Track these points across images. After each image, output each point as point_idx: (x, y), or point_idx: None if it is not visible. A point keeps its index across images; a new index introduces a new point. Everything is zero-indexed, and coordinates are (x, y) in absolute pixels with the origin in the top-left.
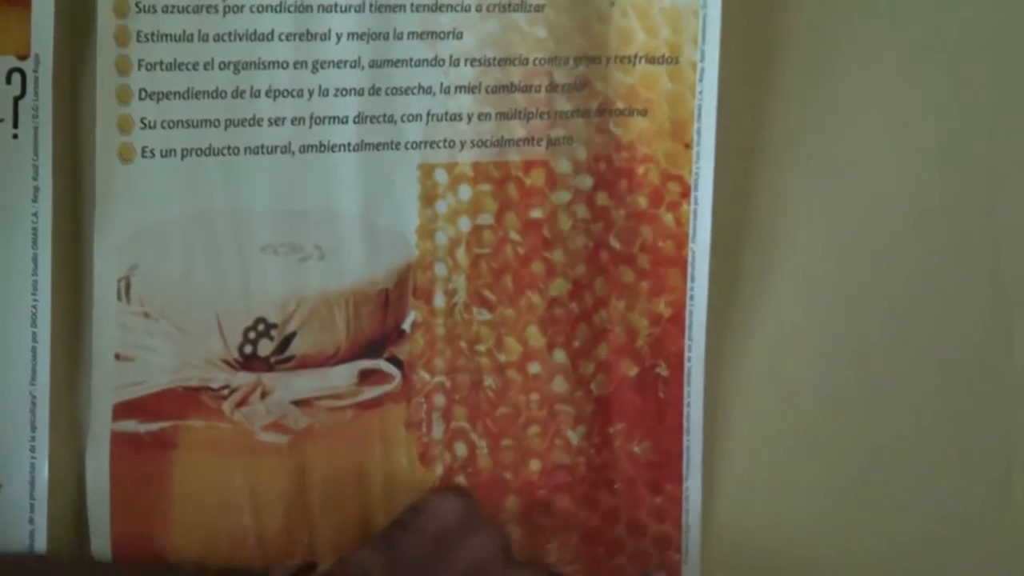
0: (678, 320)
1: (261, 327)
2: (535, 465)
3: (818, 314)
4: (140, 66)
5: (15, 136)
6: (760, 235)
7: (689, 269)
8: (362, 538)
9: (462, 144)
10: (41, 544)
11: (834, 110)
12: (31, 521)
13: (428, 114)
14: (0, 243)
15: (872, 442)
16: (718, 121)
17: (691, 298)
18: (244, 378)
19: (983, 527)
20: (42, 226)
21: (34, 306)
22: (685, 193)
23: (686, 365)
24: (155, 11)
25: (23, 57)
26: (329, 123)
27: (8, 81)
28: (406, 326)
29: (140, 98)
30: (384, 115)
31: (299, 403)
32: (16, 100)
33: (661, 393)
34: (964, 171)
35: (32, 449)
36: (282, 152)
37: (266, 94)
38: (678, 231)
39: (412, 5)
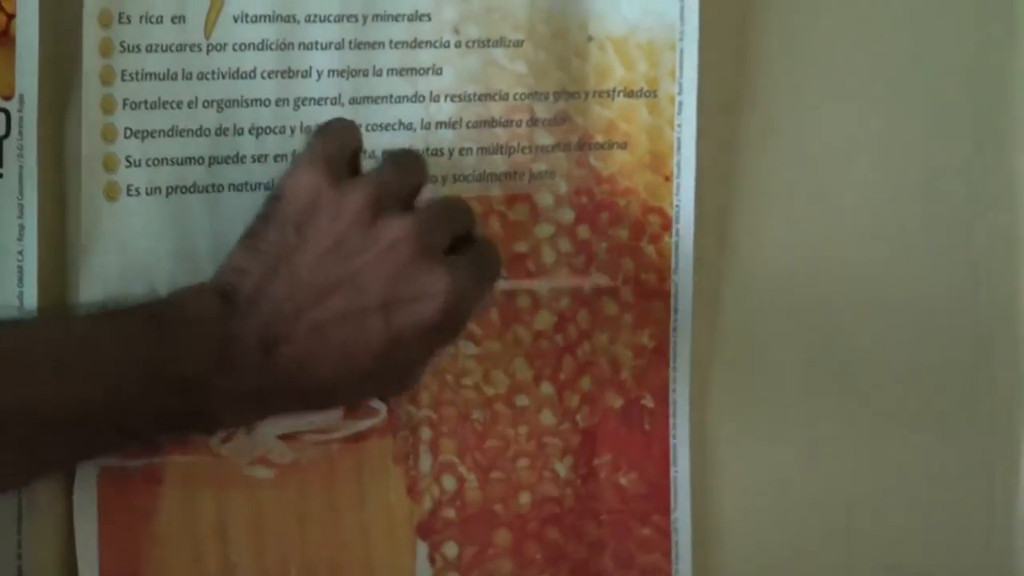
0: (662, 352)
1: None
2: (525, 497)
3: (802, 342)
4: (125, 105)
5: (0, 175)
6: (742, 265)
7: (672, 301)
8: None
9: (444, 179)
10: None
11: (814, 139)
12: (19, 557)
13: None
14: None
15: (859, 470)
16: (697, 153)
17: (675, 330)
18: None
19: (971, 544)
20: (28, 264)
21: None
22: (666, 225)
23: (671, 396)
24: (139, 50)
25: (8, 97)
26: None
27: None
28: None
29: (125, 136)
30: (365, 151)
31: (285, 438)
32: (1, 140)
33: (647, 425)
34: (945, 206)
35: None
36: (266, 189)
37: (249, 131)
38: (660, 263)
39: (391, 42)
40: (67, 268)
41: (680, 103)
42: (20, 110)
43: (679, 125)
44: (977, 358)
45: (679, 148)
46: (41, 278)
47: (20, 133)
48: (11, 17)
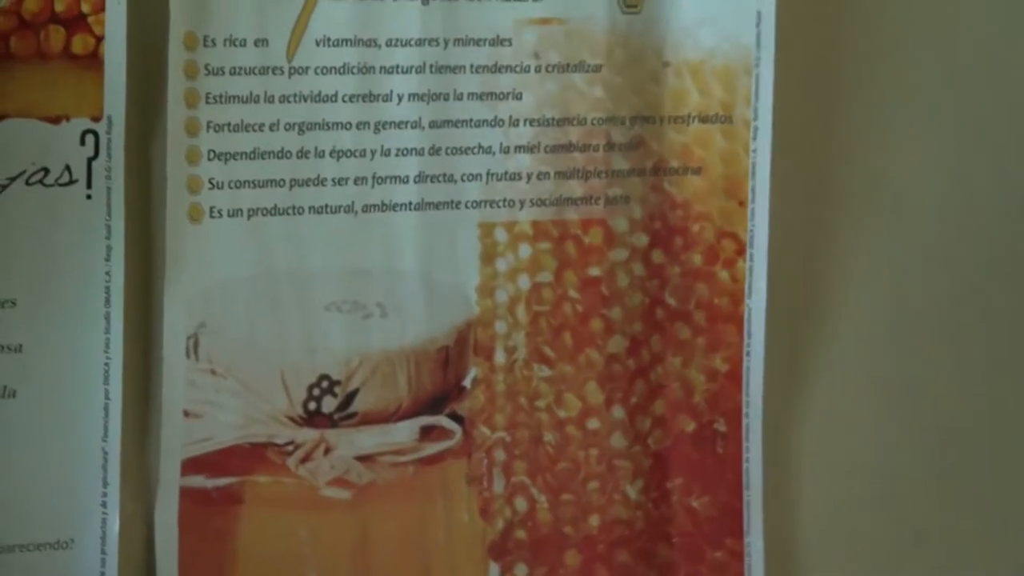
0: (735, 376)
1: (325, 384)
2: (595, 520)
3: (876, 368)
4: (208, 127)
5: (88, 196)
6: (816, 291)
7: (745, 325)
8: None
9: (521, 203)
10: None
11: (893, 165)
12: (102, 575)
13: (488, 173)
14: (74, 301)
15: (934, 496)
16: (772, 179)
17: (748, 354)
18: (308, 434)
19: None
20: (114, 285)
21: (106, 363)
22: (740, 250)
23: (744, 420)
24: (223, 73)
25: (96, 119)
26: (391, 183)
27: (82, 143)
28: (467, 383)
29: (208, 159)
30: (444, 175)
31: (362, 459)
32: (90, 161)
33: (719, 448)
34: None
35: (104, 504)
36: (345, 211)
37: (330, 154)
38: (734, 288)
39: (472, 66)
40: (152, 289)
41: (756, 128)
42: (108, 132)
43: (754, 151)
44: None
45: (754, 173)
46: (127, 298)
47: (108, 155)
48: (100, 39)
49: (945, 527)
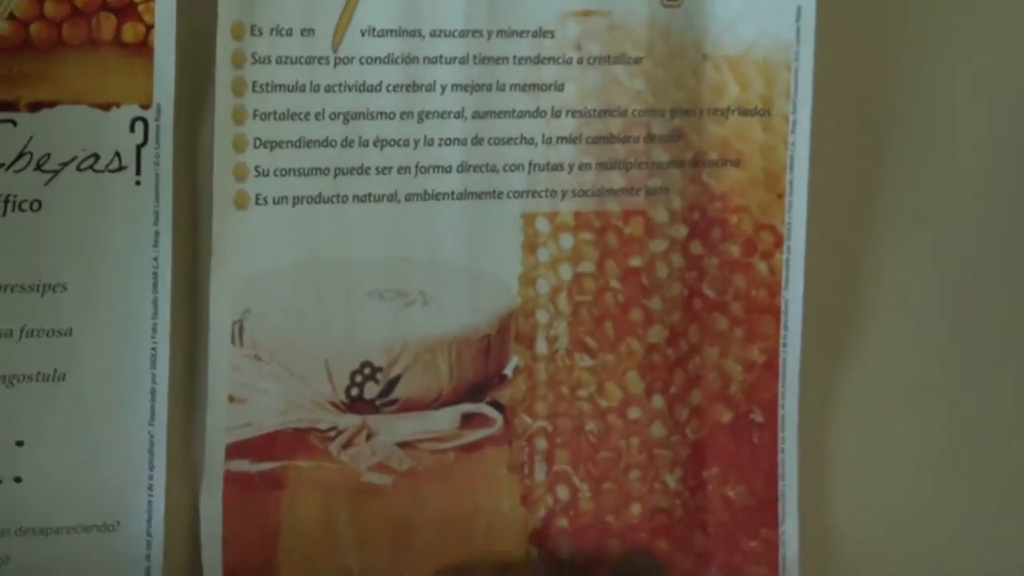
0: (772, 367)
1: (367, 370)
2: (636, 508)
3: (913, 360)
4: (255, 115)
5: (138, 183)
6: (853, 283)
7: (782, 317)
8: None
9: (563, 194)
10: None
11: (930, 160)
12: (147, 558)
13: (530, 164)
14: (122, 287)
15: (971, 492)
16: (811, 171)
17: (784, 345)
18: (350, 420)
19: None
20: (162, 270)
21: (153, 348)
22: (778, 243)
23: (780, 411)
24: (270, 62)
25: (146, 106)
26: (434, 172)
27: (132, 129)
28: (508, 371)
29: (255, 147)
30: (487, 164)
31: (403, 445)
32: (139, 148)
33: (755, 439)
34: None
35: (150, 488)
36: (388, 200)
37: (374, 143)
38: (771, 280)
39: (515, 58)
40: (198, 275)
41: (794, 122)
42: (157, 119)
43: (793, 143)
44: None
45: (792, 166)
46: (174, 284)
47: (157, 142)
48: (149, 28)
49: (983, 518)
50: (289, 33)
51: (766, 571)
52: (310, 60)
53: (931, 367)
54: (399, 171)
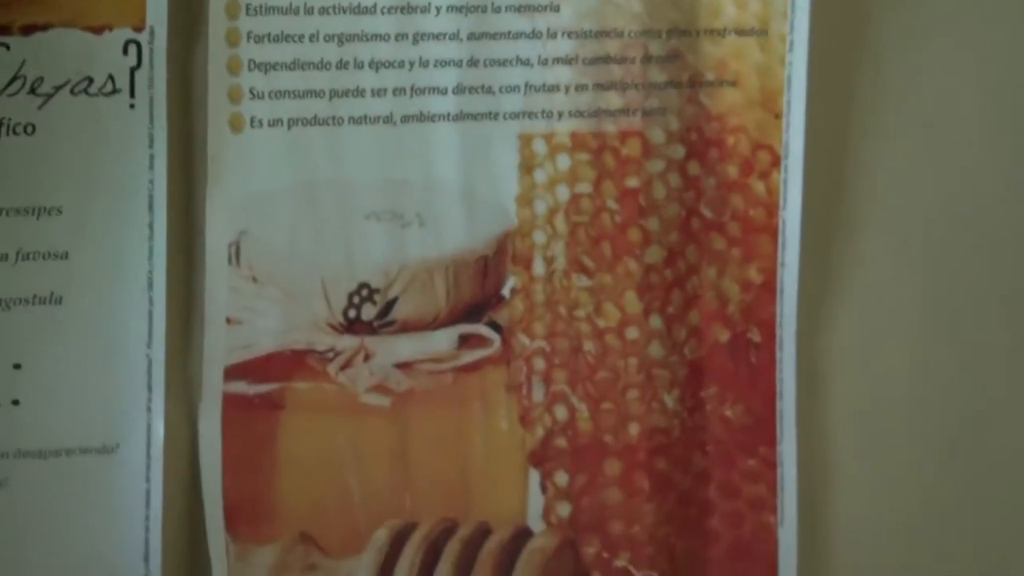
0: (769, 287)
1: (364, 292)
2: (634, 428)
3: (910, 280)
4: (249, 38)
5: (132, 106)
6: (851, 202)
7: (780, 237)
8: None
9: (560, 114)
10: (157, 503)
11: (927, 78)
12: (147, 480)
13: (526, 85)
14: (118, 210)
15: (966, 409)
16: (808, 91)
17: (782, 265)
18: (348, 341)
19: None
20: (157, 193)
21: (150, 271)
22: (775, 162)
23: (777, 331)
24: None
25: (139, 29)
26: (429, 94)
27: (125, 52)
28: (505, 292)
29: (249, 69)
30: (483, 86)
31: (401, 366)
32: (133, 71)
33: (753, 358)
34: None
35: (148, 410)
36: (384, 122)
37: (369, 65)
38: (768, 200)
39: None
40: (194, 197)
41: (791, 42)
42: (151, 42)
43: (790, 63)
44: None
45: (789, 86)
46: (170, 206)
47: (151, 64)
48: None
49: (979, 438)
50: None
51: (764, 490)
52: None
53: (929, 283)
54: (394, 93)
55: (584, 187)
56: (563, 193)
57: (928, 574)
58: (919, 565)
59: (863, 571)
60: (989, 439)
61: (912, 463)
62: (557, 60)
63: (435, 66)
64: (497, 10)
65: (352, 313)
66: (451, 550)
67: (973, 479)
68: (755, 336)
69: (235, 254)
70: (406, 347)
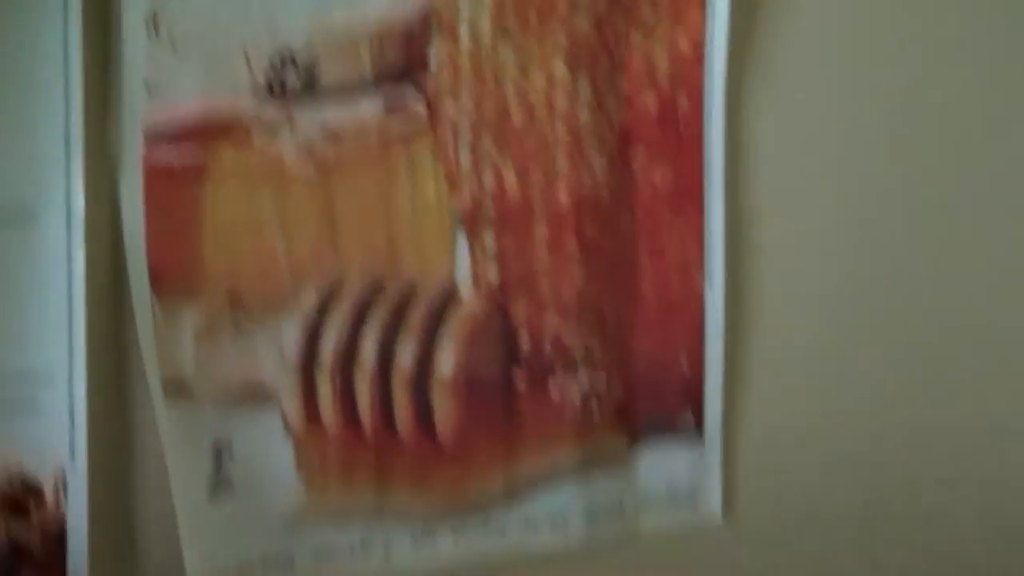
0: (697, 56)
1: (287, 54)
2: (562, 192)
3: (837, 57)
4: None
5: None
6: None
7: (708, 7)
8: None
9: None
10: (79, 273)
11: None
12: (68, 254)
13: None
14: None
15: (890, 180)
16: None
17: (710, 35)
18: (273, 110)
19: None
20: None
21: (65, 42)
22: None
23: (704, 99)
24: None
25: None
26: None
27: None
28: (431, 60)
29: None
30: None
31: (327, 135)
32: None
33: (681, 125)
34: None
35: (67, 176)
36: None
37: None
38: None
39: None
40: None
41: None
42: None
43: None
44: None
45: None
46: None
47: None
48: None
49: (901, 207)
50: None
51: (692, 253)
52: None
53: (855, 64)
54: None
55: None
56: None
57: (847, 339)
58: (838, 332)
59: (786, 336)
60: (909, 210)
61: (834, 234)
62: None
63: None
64: None
65: (275, 80)
66: (379, 312)
67: (893, 247)
68: (684, 103)
69: (154, 24)
70: (331, 115)
